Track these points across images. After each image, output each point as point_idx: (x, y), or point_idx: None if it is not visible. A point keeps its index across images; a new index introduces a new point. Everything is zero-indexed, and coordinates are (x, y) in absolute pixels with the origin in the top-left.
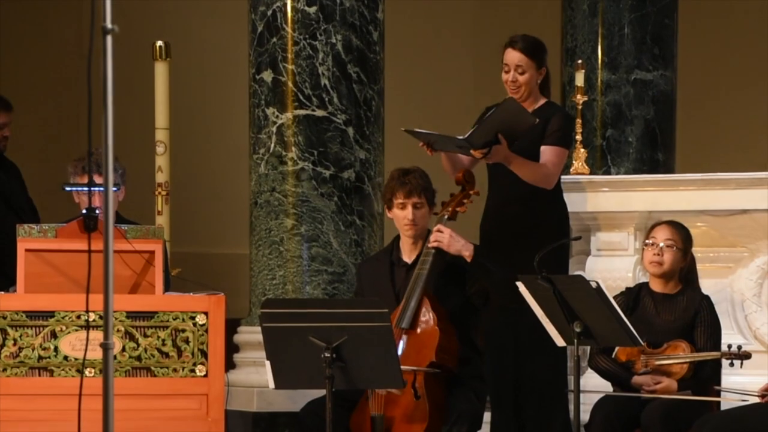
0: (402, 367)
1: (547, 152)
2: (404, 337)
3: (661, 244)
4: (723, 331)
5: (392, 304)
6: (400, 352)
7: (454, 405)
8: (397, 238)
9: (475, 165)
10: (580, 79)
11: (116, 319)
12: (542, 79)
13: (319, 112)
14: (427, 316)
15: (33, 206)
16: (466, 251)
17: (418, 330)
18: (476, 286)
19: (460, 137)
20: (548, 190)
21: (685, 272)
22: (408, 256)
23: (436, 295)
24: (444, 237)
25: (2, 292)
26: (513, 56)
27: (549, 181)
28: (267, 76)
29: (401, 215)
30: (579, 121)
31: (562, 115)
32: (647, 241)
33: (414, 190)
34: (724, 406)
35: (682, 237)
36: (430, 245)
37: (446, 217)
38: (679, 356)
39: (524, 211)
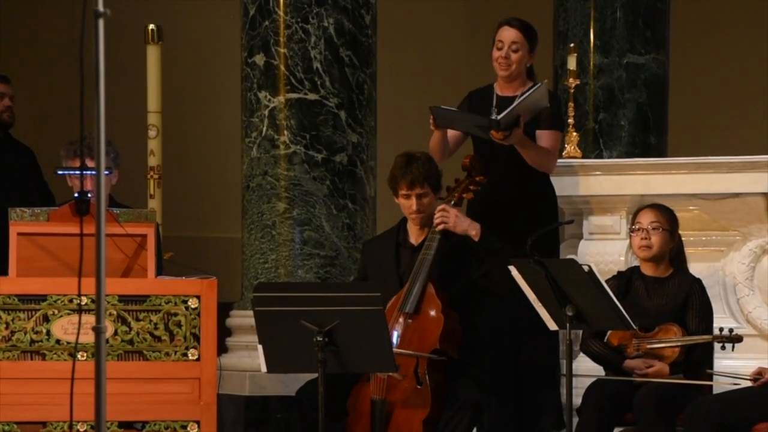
0: (404, 351)
1: (545, 137)
2: (408, 321)
3: (648, 228)
4: (715, 315)
5: (395, 286)
6: (402, 336)
7: (456, 393)
8: (405, 219)
9: (459, 146)
10: (572, 62)
11: (108, 302)
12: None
13: (312, 96)
14: (432, 302)
15: (47, 190)
16: (473, 230)
17: (423, 316)
18: (483, 269)
19: (492, 117)
20: (539, 173)
21: (675, 254)
22: (415, 238)
23: (441, 278)
24: (450, 217)
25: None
26: (509, 33)
27: (552, 165)
28: (259, 59)
29: (406, 205)
30: (571, 104)
31: (552, 98)
32: (633, 227)
33: (416, 181)
34: (716, 390)
35: (667, 218)
36: (436, 228)
37: (452, 202)
38: (670, 340)
39: (516, 193)
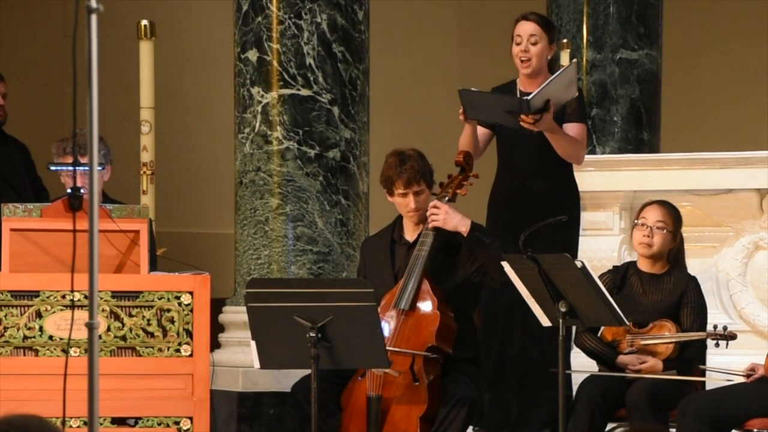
0: (399, 349)
1: (573, 130)
2: (402, 318)
3: (652, 226)
4: (708, 311)
5: (390, 283)
6: (397, 333)
7: (453, 390)
8: (401, 216)
9: (488, 144)
10: (565, 58)
11: (101, 298)
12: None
13: (305, 92)
14: (427, 299)
15: (41, 185)
16: (463, 226)
17: (418, 312)
18: (476, 264)
19: (525, 97)
20: (565, 166)
21: (674, 253)
22: (410, 234)
23: (435, 274)
24: (440, 214)
25: None
26: (527, 27)
27: (582, 156)
28: (252, 55)
29: (403, 203)
30: None
31: (578, 91)
32: (637, 221)
33: (413, 179)
34: (709, 386)
35: (673, 218)
36: (429, 226)
37: (446, 198)
38: (664, 336)
39: (544, 188)
